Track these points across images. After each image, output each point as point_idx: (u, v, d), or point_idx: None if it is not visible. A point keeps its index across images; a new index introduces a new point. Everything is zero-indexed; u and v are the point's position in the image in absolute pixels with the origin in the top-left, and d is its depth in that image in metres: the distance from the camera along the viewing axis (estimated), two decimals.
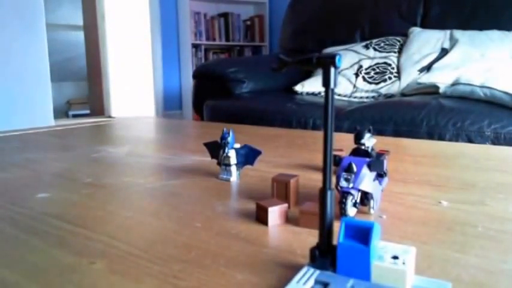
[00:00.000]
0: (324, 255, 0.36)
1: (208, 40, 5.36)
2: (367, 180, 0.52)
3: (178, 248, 0.45)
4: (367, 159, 0.53)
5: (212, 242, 0.46)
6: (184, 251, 0.44)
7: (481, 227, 0.49)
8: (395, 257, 0.34)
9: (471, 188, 0.66)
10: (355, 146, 0.57)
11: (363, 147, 0.57)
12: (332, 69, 0.35)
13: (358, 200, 0.52)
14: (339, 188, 0.52)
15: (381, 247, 0.36)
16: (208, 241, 0.46)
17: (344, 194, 0.51)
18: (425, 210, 0.56)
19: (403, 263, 0.34)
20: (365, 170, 0.52)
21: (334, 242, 0.36)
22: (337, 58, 0.34)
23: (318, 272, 0.36)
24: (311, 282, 0.34)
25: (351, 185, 0.51)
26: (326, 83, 0.35)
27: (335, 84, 0.35)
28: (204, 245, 0.45)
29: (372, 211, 0.54)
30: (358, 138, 0.57)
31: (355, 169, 0.51)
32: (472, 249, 0.44)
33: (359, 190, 0.52)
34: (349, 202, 0.51)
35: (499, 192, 0.63)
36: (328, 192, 0.36)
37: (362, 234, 0.35)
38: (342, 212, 0.51)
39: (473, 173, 0.75)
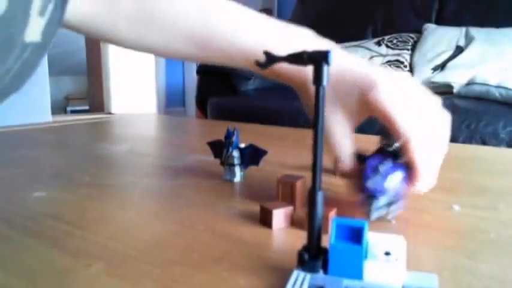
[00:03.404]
0: (313, 258, 0.37)
1: None
2: (396, 183, 0.51)
3: (179, 250, 0.45)
4: (398, 162, 0.52)
5: (214, 245, 0.46)
6: (186, 254, 0.44)
7: (493, 233, 0.49)
8: (387, 253, 0.35)
9: (484, 192, 0.66)
10: (379, 146, 0.56)
11: (390, 148, 0.55)
12: (324, 66, 0.35)
13: (385, 203, 0.51)
14: (366, 188, 0.51)
15: (372, 243, 0.36)
16: (210, 244, 0.46)
17: (371, 196, 0.51)
18: (437, 215, 0.56)
19: (396, 259, 0.35)
20: (396, 172, 0.51)
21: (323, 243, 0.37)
22: (329, 54, 0.35)
23: (309, 275, 0.36)
24: (305, 286, 0.35)
25: (380, 187, 0.50)
26: (317, 80, 0.35)
27: (327, 82, 0.35)
28: (206, 248, 0.45)
29: (392, 217, 0.53)
30: (386, 138, 0.55)
31: (382, 169, 0.51)
32: (484, 256, 0.44)
33: (386, 192, 0.51)
34: (377, 204, 0.51)
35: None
36: (318, 194, 0.37)
37: (353, 234, 0.36)
38: (369, 215, 0.50)
39: (487, 177, 0.75)
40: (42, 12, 0.42)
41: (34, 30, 0.42)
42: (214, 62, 0.67)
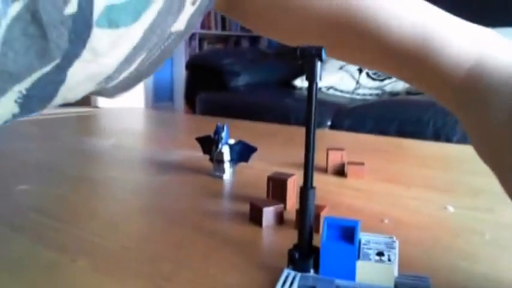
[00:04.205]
0: (303, 257, 0.37)
1: (203, 29, 5.34)
2: None
3: (166, 247, 0.44)
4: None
5: (202, 242, 0.46)
6: (173, 251, 0.44)
7: (488, 234, 0.49)
8: (380, 253, 0.35)
9: (479, 193, 0.66)
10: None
11: None
12: (317, 62, 0.35)
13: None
14: None
15: (364, 243, 0.36)
16: (199, 241, 0.46)
17: None
18: (430, 216, 0.56)
19: (389, 260, 0.34)
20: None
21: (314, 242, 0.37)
22: (322, 50, 0.35)
23: (299, 274, 0.36)
24: (295, 285, 0.34)
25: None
26: (310, 76, 0.35)
27: (320, 78, 0.35)
28: (194, 245, 0.45)
29: None
30: None
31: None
32: (479, 257, 0.44)
33: None
34: None
35: (508, 198, 0.63)
36: (310, 191, 0.37)
37: (346, 233, 0.36)
38: None
39: (482, 177, 0.75)
40: (194, 1, 0.42)
41: (182, 20, 0.42)
42: (350, 61, 0.52)
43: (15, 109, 0.35)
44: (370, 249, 0.36)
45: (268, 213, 0.51)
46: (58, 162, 0.80)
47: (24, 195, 0.61)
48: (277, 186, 0.58)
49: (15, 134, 1.11)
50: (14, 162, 0.80)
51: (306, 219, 0.37)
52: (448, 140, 1.62)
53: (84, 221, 0.52)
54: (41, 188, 0.64)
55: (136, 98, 4.88)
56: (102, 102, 4.44)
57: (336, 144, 0.81)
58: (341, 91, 2.54)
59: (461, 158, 0.92)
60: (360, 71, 2.56)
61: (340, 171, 0.73)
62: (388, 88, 2.43)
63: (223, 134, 0.70)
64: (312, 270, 0.36)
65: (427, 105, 1.77)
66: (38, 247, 0.44)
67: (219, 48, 5.37)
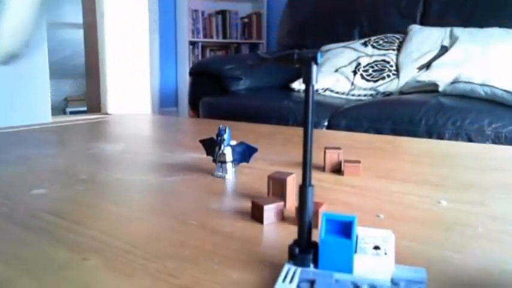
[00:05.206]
0: (303, 252, 0.36)
1: (205, 37, 5.36)
2: None
3: (173, 245, 0.44)
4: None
5: (207, 240, 0.45)
6: (179, 248, 0.43)
7: (480, 227, 0.49)
8: (376, 247, 0.35)
9: (471, 188, 0.65)
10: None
11: None
12: (314, 66, 0.35)
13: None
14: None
15: (361, 237, 0.36)
16: (203, 239, 0.46)
17: None
18: (424, 210, 0.55)
19: (385, 254, 0.34)
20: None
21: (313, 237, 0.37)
22: (318, 55, 0.35)
23: (299, 269, 0.36)
24: (296, 280, 0.34)
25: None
26: (307, 80, 0.35)
27: (316, 81, 0.35)
28: (199, 242, 0.45)
29: None
30: None
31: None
32: (471, 250, 0.43)
33: None
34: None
35: (499, 192, 0.63)
36: (308, 189, 0.36)
37: (343, 228, 0.35)
38: None
39: (473, 172, 0.75)
40: None
41: None
42: None
43: None
44: (367, 243, 0.35)
45: (269, 210, 0.50)
46: (71, 166, 0.80)
47: (39, 198, 0.61)
48: (277, 185, 0.57)
49: (31, 141, 1.11)
50: (29, 167, 0.79)
51: (305, 216, 0.36)
52: (440, 137, 1.61)
53: (95, 221, 0.52)
54: (54, 191, 0.64)
55: (143, 105, 4.89)
56: (112, 109, 4.44)
57: (332, 143, 0.80)
58: (337, 92, 2.53)
59: (453, 155, 0.92)
60: (355, 73, 2.55)
61: (337, 169, 0.73)
62: (381, 89, 2.42)
63: (225, 136, 0.70)
64: (312, 265, 0.36)
65: (419, 105, 1.77)
66: (52, 246, 0.44)
67: (220, 55, 5.37)
